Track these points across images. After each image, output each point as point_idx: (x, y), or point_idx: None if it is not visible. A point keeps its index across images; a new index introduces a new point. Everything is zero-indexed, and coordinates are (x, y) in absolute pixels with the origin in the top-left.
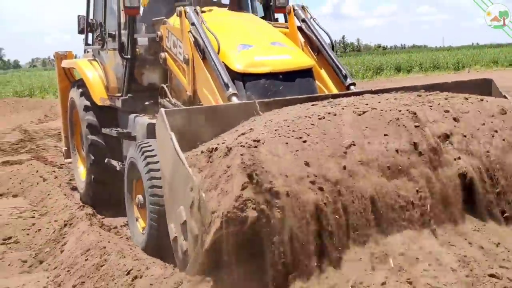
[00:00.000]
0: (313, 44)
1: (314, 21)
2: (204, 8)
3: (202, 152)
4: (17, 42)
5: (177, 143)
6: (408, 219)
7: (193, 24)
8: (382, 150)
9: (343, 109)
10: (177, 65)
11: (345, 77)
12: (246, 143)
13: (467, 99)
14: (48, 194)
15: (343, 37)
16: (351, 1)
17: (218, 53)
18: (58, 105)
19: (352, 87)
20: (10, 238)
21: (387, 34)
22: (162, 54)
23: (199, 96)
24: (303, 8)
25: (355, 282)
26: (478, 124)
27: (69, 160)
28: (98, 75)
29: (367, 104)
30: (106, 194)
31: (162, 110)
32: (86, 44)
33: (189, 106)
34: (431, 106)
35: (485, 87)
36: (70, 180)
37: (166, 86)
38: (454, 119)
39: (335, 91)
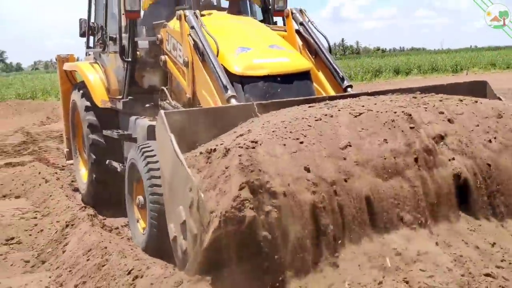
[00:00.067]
0: (310, 47)
1: (312, 24)
2: (204, 12)
3: (201, 153)
4: (20, 45)
5: (176, 144)
6: (404, 219)
7: (192, 27)
8: (378, 151)
9: (339, 110)
10: (177, 68)
11: (342, 79)
12: (244, 144)
13: (461, 100)
14: (50, 195)
15: (343, 40)
16: (350, 4)
17: (217, 56)
18: (60, 107)
19: (349, 89)
20: (12, 238)
21: (386, 37)
22: (162, 57)
23: (198, 98)
24: (301, 11)
25: (352, 282)
26: (472, 126)
27: (70, 161)
28: (99, 77)
29: (363, 106)
30: (107, 194)
31: (162, 112)
32: (88, 47)
33: (189, 108)
34: (426, 107)
35: (480, 89)
36: (72, 181)
37: (166, 89)
38: (449, 120)
39: (332, 93)
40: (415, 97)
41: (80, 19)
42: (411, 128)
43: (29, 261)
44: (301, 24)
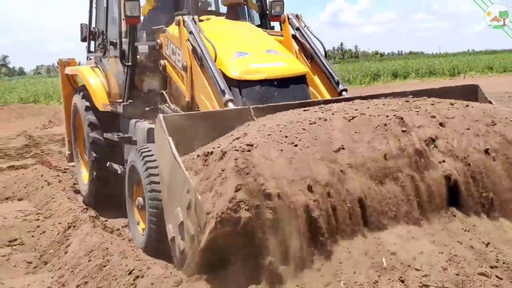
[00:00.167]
0: (306, 52)
1: (308, 29)
2: (202, 17)
3: (198, 155)
4: (22, 49)
5: (174, 147)
6: (397, 220)
7: (191, 32)
8: (370, 154)
9: (333, 114)
10: (176, 72)
11: (337, 83)
12: (240, 147)
13: (453, 104)
14: (53, 198)
15: (341, 44)
16: (349, 9)
17: (215, 60)
18: (62, 111)
19: (344, 92)
20: (15, 240)
21: (385, 41)
22: (162, 62)
23: (197, 102)
24: (297, 17)
25: (348, 281)
26: (463, 129)
27: (72, 163)
28: (100, 81)
29: (356, 110)
30: (107, 193)
31: (160, 115)
32: (89, 51)
33: (188, 112)
34: (418, 111)
35: (471, 93)
36: (74, 184)
37: (166, 92)
38: (440, 124)
39: (328, 96)
40: (408, 101)
41: (81, 24)
42: (403, 131)
43: (32, 262)
44: (297, 29)
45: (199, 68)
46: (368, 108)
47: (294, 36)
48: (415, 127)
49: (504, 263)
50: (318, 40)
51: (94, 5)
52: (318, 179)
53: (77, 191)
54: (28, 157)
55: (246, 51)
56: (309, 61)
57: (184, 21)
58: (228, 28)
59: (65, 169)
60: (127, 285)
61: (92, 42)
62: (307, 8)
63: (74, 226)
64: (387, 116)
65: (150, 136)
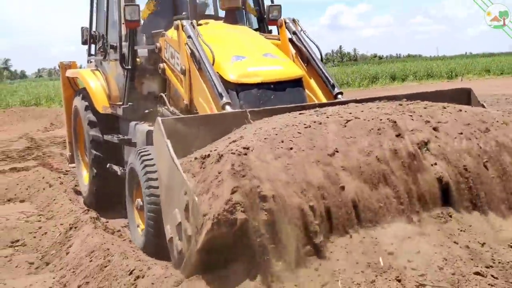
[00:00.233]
0: (303, 55)
1: (304, 33)
2: (201, 21)
3: (196, 158)
4: (24, 53)
5: (172, 150)
6: (389, 220)
7: (189, 37)
8: (364, 157)
9: (328, 118)
10: (175, 75)
11: (333, 86)
12: (237, 150)
13: (445, 108)
14: (54, 199)
15: (340, 47)
16: (348, 12)
17: (213, 64)
18: (63, 114)
19: (339, 96)
20: (17, 241)
21: (383, 44)
22: (161, 65)
23: (195, 105)
24: (294, 21)
25: (346, 280)
26: (455, 132)
27: (73, 165)
28: (101, 84)
29: (350, 113)
30: (107, 192)
31: (159, 119)
32: (89, 54)
33: (186, 114)
34: (411, 115)
35: (464, 96)
36: (75, 185)
37: (165, 95)
38: (432, 127)
39: (323, 99)
40: (401, 105)
41: (82, 28)
42: (396, 135)
43: (34, 262)
44: (294, 33)
45: (197, 72)
46: (362, 111)
47: (291, 40)
48: (408, 131)
49: (499, 262)
50: (314, 44)
51: (94, 9)
52: (312, 181)
53: (79, 193)
54: (30, 159)
55: (244, 54)
56: (306, 64)
57: (182, 26)
58: (226, 32)
59: (66, 171)
60: (127, 285)
61: (93, 46)
62: (307, 11)
63: (75, 227)
64: (381, 119)
65: (149, 138)
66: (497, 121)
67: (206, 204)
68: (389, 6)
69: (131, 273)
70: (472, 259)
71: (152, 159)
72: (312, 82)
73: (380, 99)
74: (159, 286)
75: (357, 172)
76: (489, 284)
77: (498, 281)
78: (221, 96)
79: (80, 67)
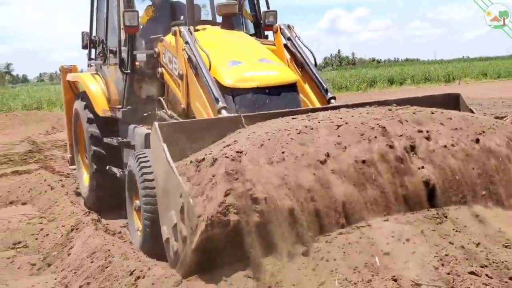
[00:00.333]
0: (297, 61)
1: (299, 39)
2: (198, 27)
3: (191, 162)
4: (26, 57)
5: (169, 153)
6: (378, 221)
7: (186, 42)
8: (353, 161)
9: (319, 122)
10: (173, 80)
11: (326, 91)
12: (230, 154)
13: (433, 113)
14: (56, 202)
15: (339, 51)
16: (347, 16)
17: (209, 69)
18: (64, 117)
19: (332, 100)
20: (19, 242)
21: (381, 48)
22: (159, 69)
23: (192, 109)
24: (288, 27)
25: (343, 280)
26: (442, 137)
27: (73, 166)
28: (100, 88)
29: (341, 118)
30: (106, 189)
31: (156, 123)
32: (89, 59)
33: (184, 118)
34: (399, 120)
35: (453, 102)
36: (76, 188)
37: (163, 99)
38: (420, 132)
39: (317, 104)
40: (390, 110)
41: (83, 32)
42: (384, 139)
43: (36, 264)
44: (289, 39)
45: (194, 77)
46: (353, 116)
47: (285, 46)
48: (396, 136)
49: (494, 262)
50: (308, 49)
51: (95, 14)
52: (303, 184)
53: (80, 195)
54: (31, 162)
55: (240, 60)
56: (300, 69)
57: (180, 31)
58: (222, 37)
59: (68, 174)
60: (128, 285)
61: (93, 50)
62: (306, 15)
63: (76, 229)
64: (370, 124)
65: (148, 141)
66: (484, 126)
67: (200, 206)
68: (387, 11)
69: (131, 273)
70: (467, 259)
71: (149, 162)
72: (307, 87)
73: (370, 104)
74: (159, 286)
75: (347, 176)
76: (483, 284)
77: (493, 281)
78: (217, 100)
79: (81, 71)
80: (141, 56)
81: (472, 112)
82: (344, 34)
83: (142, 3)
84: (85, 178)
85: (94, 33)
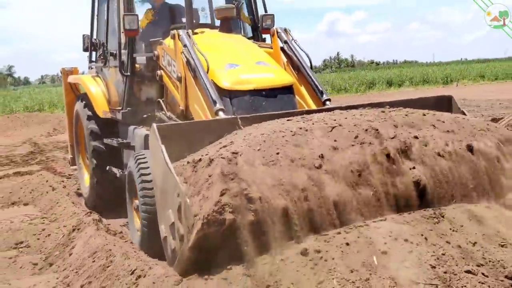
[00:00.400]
0: (294, 63)
1: (295, 42)
2: (197, 30)
3: (188, 162)
4: (27, 59)
5: (166, 154)
6: (369, 219)
7: (185, 45)
8: (346, 162)
9: (313, 124)
10: (172, 82)
11: (322, 93)
12: (226, 155)
13: (425, 115)
14: (57, 202)
15: (338, 54)
16: (346, 19)
17: (207, 72)
18: (65, 119)
19: (327, 102)
20: (21, 242)
21: (380, 50)
22: (159, 72)
23: (190, 111)
24: (285, 30)
25: (341, 279)
26: (433, 138)
27: (74, 166)
28: (101, 90)
29: (335, 120)
30: (106, 187)
31: (154, 124)
32: (90, 61)
33: (183, 120)
34: (392, 121)
35: (445, 104)
36: (78, 189)
37: (162, 101)
38: (411, 133)
39: (313, 106)
40: (383, 111)
41: (84, 35)
42: (377, 141)
43: (38, 263)
44: (285, 42)
45: (193, 79)
46: (346, 118)
47: (282, 49)
48: (389, 137)
49: (490, 261)
50: (304, 52)
51: (95, 17)
52: (296, 184)
53: (81, 196)
54: (33, 164)
55: (237, 62)
56: (296, 72)
57: (178, 35)
58: (220, 41)
59: (69, 175)
60: (129, 284)
61: (94, 53)
62: (306, 18)
63: (78, 229)
64: (363, 126)
65: (147, 142)
66: (474, 128)
67: (197, 205)
68: (386, 13)
69: (132, 272)
70: (463, 258)
71: (147, 163)
72: (303, 89)
73: (364, 106)
74: (160, 285)
75: (340, 176)
76: (479, 282)
77: (488, 279)
78: (214, 102)
79: (83, 73)
80: (140, 59)
81: (464, 114)
82: (343, 37)
83: (142, 6)
84: (86, 179)
85: (95, 36)
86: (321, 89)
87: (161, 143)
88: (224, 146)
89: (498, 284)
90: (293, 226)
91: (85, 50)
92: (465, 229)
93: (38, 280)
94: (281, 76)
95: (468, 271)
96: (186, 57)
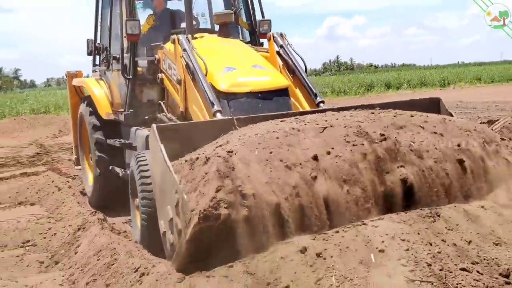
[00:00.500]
0: (289, 67)
1: (290, 46)
2: (197, 35)
3: (186, 161)
4: (33, 63)
5: (165, 153)
6: (357, 217)
7: (184, 50)
8: (337, 160)
9: (305, 125)
10: (172, 85)
11: (316, 95)
12: (222, 154)
13: (412, 116)
14: (63, 202)
15: (337, 57)
16: (345, 23)
17: (206, 75)
18: (70, 121)
19: (321, 104)
20: (28, 241)
21: (379, 54)
22: (159, 75)
23: (190, 112)
24: (281, 35)
25: (339, 276)
26: (420, 138)
27: (78, 167)
28: (104, 92)
29: (326, 121)
30: (110, 187)
31: (154, 125)
32: (94, 65)
33: (182, 121)
34: (381, 122)
35: (434, 105)
36: (83, 189)
37: (163, 103)
38: (399, 133)
39: (307, 107)
40: (373, 113)
41: (88, 40)
42: (366, 140)
43: (44, 261)
44: (281, 46)
45: (192, 82)
46: (337, 119)
47: (278, 53)
48: (377, 137)
49: (484, 259)
50: (299, 56)
51: (99, 23)
52: (289, 182)
53: (86, 196)
54: (39, 165)
55: (234, 66)
56: (291, 75)
57: (178, 40)
58: (219, 45)
59: (74, 175)
60: (133, 281)
61: (97, 57)
62: (306, 22)
63: (83, 228)
64: (353, 127)
65: (148, 142)
66: (459, 128)
67: (193, 201)
68: (384, 18)
69: (136, 270)
70: (459, 256)
71: (147, 163)
72: (298, 92)
73: (355, 107)
74: (163, 282)
75: (330, 174)
76: (474, 279)
77: (483, 277)
78: (212, 104)
79: (87, 76)
80: (142, 63)
81: (452, 115)
82: (343, 41)
83: (144, 12)
84: (89, 178)
85: (98, 41)
86: (315, 91)
87: (160, 143)
88: (220, 146)
89: (493, 282)
90: (285, 221)
91: (89, 54)
92: (460, 228)
93: (44, 278)
94: (276, 79)
95: (463, 269)
96: (185, 60)
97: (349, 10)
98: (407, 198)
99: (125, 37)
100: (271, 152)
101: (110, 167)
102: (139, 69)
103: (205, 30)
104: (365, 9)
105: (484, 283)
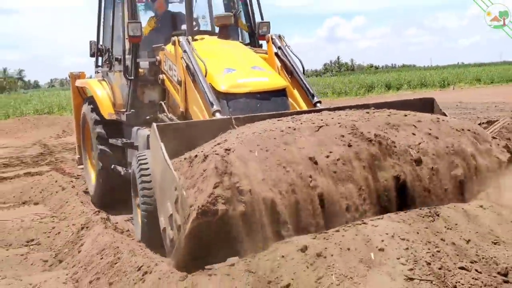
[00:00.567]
0: (287, 68)
1: (288, 48)
2: (197, 36)
3: (185, 158)
4: (37, 64)
5: (165, 151)
6: (352, 215)
7: (185, 51)
8: (331, 158)
9: (301, 124)
10: (173, 86)
11: (313, 96)
12: (220, 151)
13: (406, 115)
14: (67, 202)
15: (338, 58)
16: (345, 25)
17: (205, 76)
18: (73, 121)
19: (318, 104)
20: (32, 240)
21: (379, 54)
22: (161, 76)
23: (190, 113)
24: (279, 37)
25: (340, 275)
26: (413, 137)
27: (81, 166)
28: (106, 93)
29: (322, 120)
30: (111, 183)
31: (154, 124)
32: (97, 66)
33: (183, 121)
34: (375, 121)
35: (428, 105)
36: (86, 189)
37: (164, 103)
38: (393, 132)
39: (305, 107)
40: (368, 112)
41: (90, 41)
42: (360, 139)
43: (48, 260)
44: (280, 48)
45: (192, 83)
46: (333, 118)
47: (276, 54)
48: (371, 135)
49: (483, 258)
50: (297, 58)
51: (101, 25)
52: (284, 179)
53: (89, 194)
54: (43, 164)
55: (234, 67)
56: (289, 76)
57: (179, 41)
58: (218, 47)
59: (78, 175)
60: (136, 280)
61: (100, 58)
62: (306, 23)
63: (87, 227)
64: (347, 126)
65: (149, 142)
66: (451, 128)
67: (192, 197)
68: (384, 18)
69: (139, 269)
70: (457, 255)
71: (147, 163)
72: (296, 92)
73: (350, 107)
74: (166, 281)
75: (325, 171)
76: (473, 278)
77: (482, 275)
78: (212, 104)
79: (90, 77)
80: (144, 64)
81: (445, 115)
82: (343, 42)
83: (145, 14)
84: (92, 177)
85: (101, 42)
86: (312, 92)
87: (160, 141)
88: (218, 144)
89: (491, 280)
90: (281, 217)
91: (92, 55)
92: (459, 227)
93: (48, 276)
94: (275, 80)
95: (462, 268)
96: (185, 62)
97: (349, 10)
98: (400, 197)
99: (127, 39)
100: (267, 150)
101: (112, 166)
102: (140, 70)
103: (205, 32)
104: (365, 10)
105: (482, 282)
